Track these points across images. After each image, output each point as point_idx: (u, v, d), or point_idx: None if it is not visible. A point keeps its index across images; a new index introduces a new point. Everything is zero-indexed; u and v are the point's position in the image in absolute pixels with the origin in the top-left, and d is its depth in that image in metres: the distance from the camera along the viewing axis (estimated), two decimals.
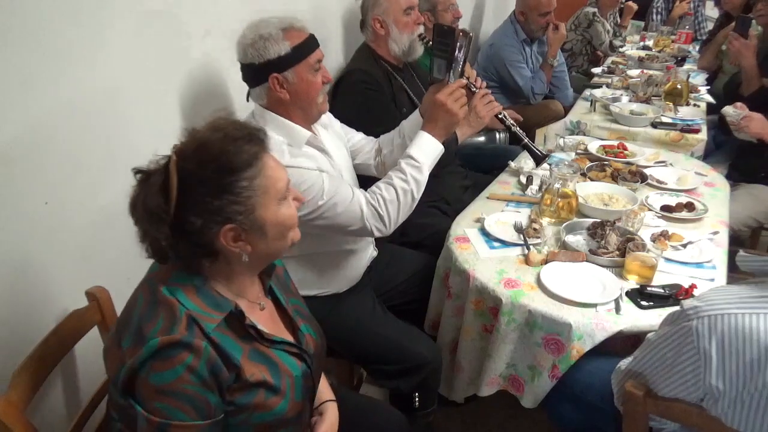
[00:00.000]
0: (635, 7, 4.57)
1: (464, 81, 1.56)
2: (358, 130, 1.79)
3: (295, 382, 0.99)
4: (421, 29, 2.12)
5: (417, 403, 1.59)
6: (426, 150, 1.50)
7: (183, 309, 0.87)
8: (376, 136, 1.79)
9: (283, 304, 1.08)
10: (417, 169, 1.47)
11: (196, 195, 0.86)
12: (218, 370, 0.86)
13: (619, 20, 4.64)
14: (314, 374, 1.06)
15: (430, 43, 2.07)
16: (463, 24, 3.80)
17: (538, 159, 1.80)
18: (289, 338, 1.05)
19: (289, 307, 1.09)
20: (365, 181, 1.65)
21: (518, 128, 1.81)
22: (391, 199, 1.44)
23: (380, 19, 2.07)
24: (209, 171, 0.86)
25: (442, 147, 1.53)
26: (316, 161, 1.45)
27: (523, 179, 1.99)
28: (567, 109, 3.20)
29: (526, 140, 1.80)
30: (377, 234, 1.46)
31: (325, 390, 1.21)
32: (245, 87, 1.46)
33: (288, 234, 0.96)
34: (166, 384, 0.83)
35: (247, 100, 1.48)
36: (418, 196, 1.49)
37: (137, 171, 0.89)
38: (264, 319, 1.01)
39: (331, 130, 1.65)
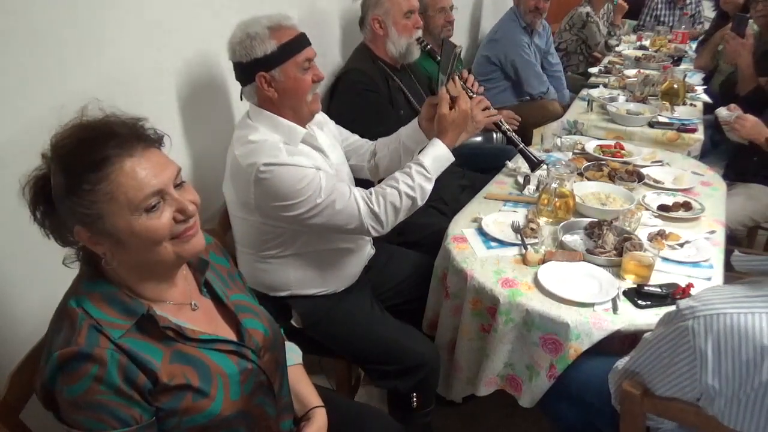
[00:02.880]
0: (626, 6, 4.54)
1: (445, 91, 1.56)
2: (355, 129, 1.79)
3: (231, 381, 0.95)
4: (419, 33, 2.12)
5: (415, 403, 1.59)
6: (438, 160, 1.51)
7: (83, 318, 0.84)
8: (375, 135, 1.79)
9: (223, 300, 1.04)
10: (426, 179, 1.48)
11: (54, 188, 0.84)
12: (134, 376, 0.84)
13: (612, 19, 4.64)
14: (265, 367, 1.02)
15: (428, 46, 2.07)
16: (462, 20, 3.81)
17: (533, 165, 1.82)
18: (229, 335, 1.01)
19: (231, 302, 1.05)
20: (357, 183, 1.65)
21: (514, 134, 1.82)
22: (393, 202, 1.44)
23: (380, 19, 2.07)
24: (58, 167, 0.83)
25: (452, 157, 1.54)
26: (313, 159, 1.45)
27: (521, 179, 1.99)
28: (564, 109, 3.21)
29: (521, 146, 1.82)
30: (374, 233, 1.47)
31: (312, 396, 1.19)
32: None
33: (156, 248, 0.87)
34: (79, 396, 0.81)
35: (241, 99, 1.48)
36: (421, 203, 1.50)
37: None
38: (196, 318, 0.98)
39: (327, 129, 1.65)
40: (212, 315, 1.03)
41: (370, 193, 1.45)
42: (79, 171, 0.82)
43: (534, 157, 1.82)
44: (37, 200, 0.86)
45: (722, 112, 2.29)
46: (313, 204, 1.37)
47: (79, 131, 0.85)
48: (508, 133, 1.82)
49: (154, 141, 0.90)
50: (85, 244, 0.87)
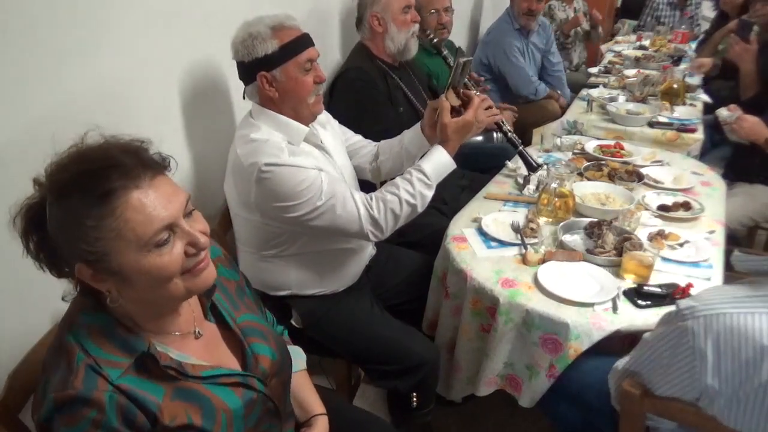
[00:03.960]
0: (580, 20, 4.26)
1: (445, 99, 1.56)
2: (355, 128, 1.79)
3: (234, 417, 0.89)
4: (416, 27, 2.13)
5: (415, 403, 1.59)
6: (439, 168, 1.51)
7: (81, 358, 0.79)
8: (375, 133, 1.79)
9: (230, 325, 0.98)
10: (427, 186, 1.48)
11: (50, 222, 0.77)
12: (133, 416, 0.79)
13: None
14: (272, 393, 0.98)
15: (435, 39, 2.08)
16: (462, 20, 3.81)
17: (531, 168, 1.84)
18: (232, 364, 0.96)
19: (237, 326, 0.99)
20: (359, 184, 1.66)
21: (514, 135, 1.83)
22: (393, 209, 1.44)
23: (378, 15, 2.07)
24: (56, 200, 0.76)
25: (454, 165, 1.54)
26: (315, 160, 1.45)
27: (520, 179, 1.99)
28: (564, 109, 3.21)
29: (521, 147, 1.84)
30: (373, 239, 1.47)
31: (315, 403, 1.17)
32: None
33: (166, 285, 0.80)
34: None
35: (243, 98, 1.48)
36: (421, 210, 1.50)
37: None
38: (198, 348, 0.92)
39: (330, 128, 1.65)
40: (216, 342, 0.97)
41: (371, 198, 1.44)
42: (81, 207, 0.75)
43: (533, 160, 1.83)
44: (29, 230, 0.80)
45: (723, 112, 2.29)
46: (313, 206, 1.37)
47: (78, 161, 0.77)
48: (509, 134, 1.82)
49: (161, 167, 0.83)
50: (88, 282, 0.80)
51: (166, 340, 0.88)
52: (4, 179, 1.03)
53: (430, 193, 1.49)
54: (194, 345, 0.92)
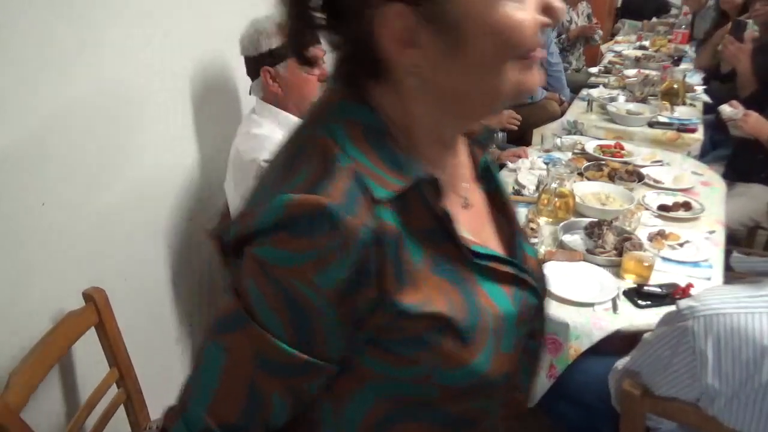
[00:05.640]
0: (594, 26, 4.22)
1: None
2: None
3: (505, 325, 0.57)
4: None
5: None
6: None
7: (345, 160, 0.50)
8: None
9: (502, 195, 0.68)
10: None
11: None
12: (368, 275, 0.49)
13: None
14: (543, 309, 0.66)
15: None
16: None
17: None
18: (502, 253, 0.62)
19: (509, 204, 0.68)
20: None
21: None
22: None
23: None
24: None
25: None
26: None
27: (521, 179, 1.99)
28: (564, 109, 3.21)
29: None
30: None
31: None
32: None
33: (502, 66, 0.50)
34: (277, 267, 0.48)
35: (250, 94, 1.50)
36: None
37: None
38: (465, 221, 0.58)
39: None
40: (482, 220, 0.65)
41: None
42: None
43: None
44: None
45: (726, 109, 2.30)
46: None
47: None
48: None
49: None
50: (389, 41, 0.50)
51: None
52: (3, 179, 1.03)
53: None
54: (463, 216, 0.60)
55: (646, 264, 1.43)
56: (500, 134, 2.94)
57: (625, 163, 2.15)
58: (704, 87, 3.22)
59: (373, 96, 0.54)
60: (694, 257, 1.54)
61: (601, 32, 4.43)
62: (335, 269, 0.48)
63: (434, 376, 0.54)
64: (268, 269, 0.49)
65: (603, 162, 2.12)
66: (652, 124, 2.61)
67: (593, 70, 3.71)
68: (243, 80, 1.53)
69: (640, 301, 1.36)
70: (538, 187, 1.90)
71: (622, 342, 1.32)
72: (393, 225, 0.50)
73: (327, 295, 0.48)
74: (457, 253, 0.55)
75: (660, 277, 1.45)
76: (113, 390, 1.24)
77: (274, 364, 0.51)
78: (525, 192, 1.93)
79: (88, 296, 1.17)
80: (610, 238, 1.55)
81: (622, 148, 2.29)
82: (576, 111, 2.84)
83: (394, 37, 0.49)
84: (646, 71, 3.34)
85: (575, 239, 1.62)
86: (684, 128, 2.56)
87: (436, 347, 0.53)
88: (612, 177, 1.98)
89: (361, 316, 0.50)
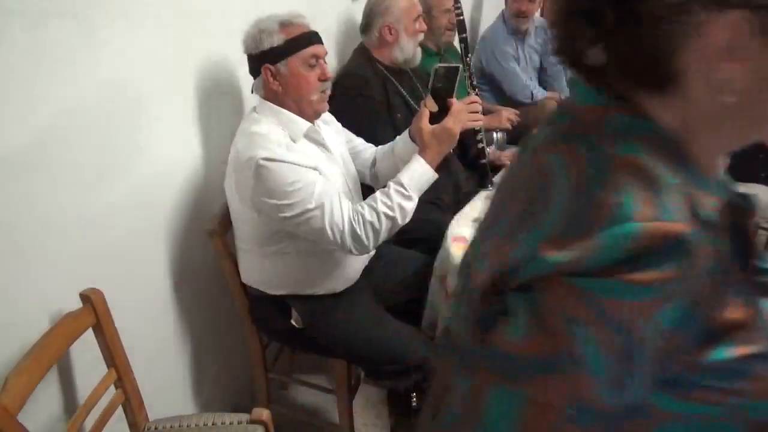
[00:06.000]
0: None
1: (424, 105, 1.54)
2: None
3: None
4: (422, 36, 2.13)
5: (415, 403, 1.59)
6: (417, 178, 1.47)
7: (668, 180, 0.45)
8: (375, 139, 1.78)
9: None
10: (406, 198, 1.44)
11: None
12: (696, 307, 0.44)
13: None
14: None
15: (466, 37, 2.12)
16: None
17: (482, 183, 2.03)
18: None
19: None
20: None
21: (485, 146, 1.98)
22: (372, 223, 1.41)
23: (392, 26, 2.04)
24: None
25: (434, 174, 1.50)
26: (313, 159, 1.44)
27: None
28: None
29: (485, 161, 1.97)
30: (355, 253, 1.44)
31: None
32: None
33: None
34: (621, 303, 0.43)
35: (252, 92, 1.50)
36: (402, 222, 1.46)
37: None
38: None
39: (333, 126, 1.65)
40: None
41: (355, 212, 1.41)
42: None
43: (488, 180, 2.02)
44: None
45: None
46: (304, 208, 1.35)
47: None
48: (479, 145, 1.97)
49: None
50: (704, 53, 0.43)
51: None
52: (6, 180, 1.02)
53: (410, 204, 1.45)
54: None
55: None
56: (500, 134, 2.94)
57: None
58: None
59: (647, 109, 0.48)
60: None
61: None
62: (679, 304, 0.43)
63: (750, 411, 0.47)
64: (605, 306, 0.43)
65: None
66: None
67: None
68: (246, 80, 1.52)
69: None
70: None
71: None
72: (713, 249, 0.44)
73: (663, 333, 0.43)
74: (745, 272, 0.49)
75: None
76: (111, 391, 1.23)
77: (590, 413, 0.46)
78: None
79: (85, 297, 1.16)
80: None
81: None
82: None
83: (714, 49, 0.43)
84: None
85: None
86: None
87: (751, 377, 0.46)
88: None
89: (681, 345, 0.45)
